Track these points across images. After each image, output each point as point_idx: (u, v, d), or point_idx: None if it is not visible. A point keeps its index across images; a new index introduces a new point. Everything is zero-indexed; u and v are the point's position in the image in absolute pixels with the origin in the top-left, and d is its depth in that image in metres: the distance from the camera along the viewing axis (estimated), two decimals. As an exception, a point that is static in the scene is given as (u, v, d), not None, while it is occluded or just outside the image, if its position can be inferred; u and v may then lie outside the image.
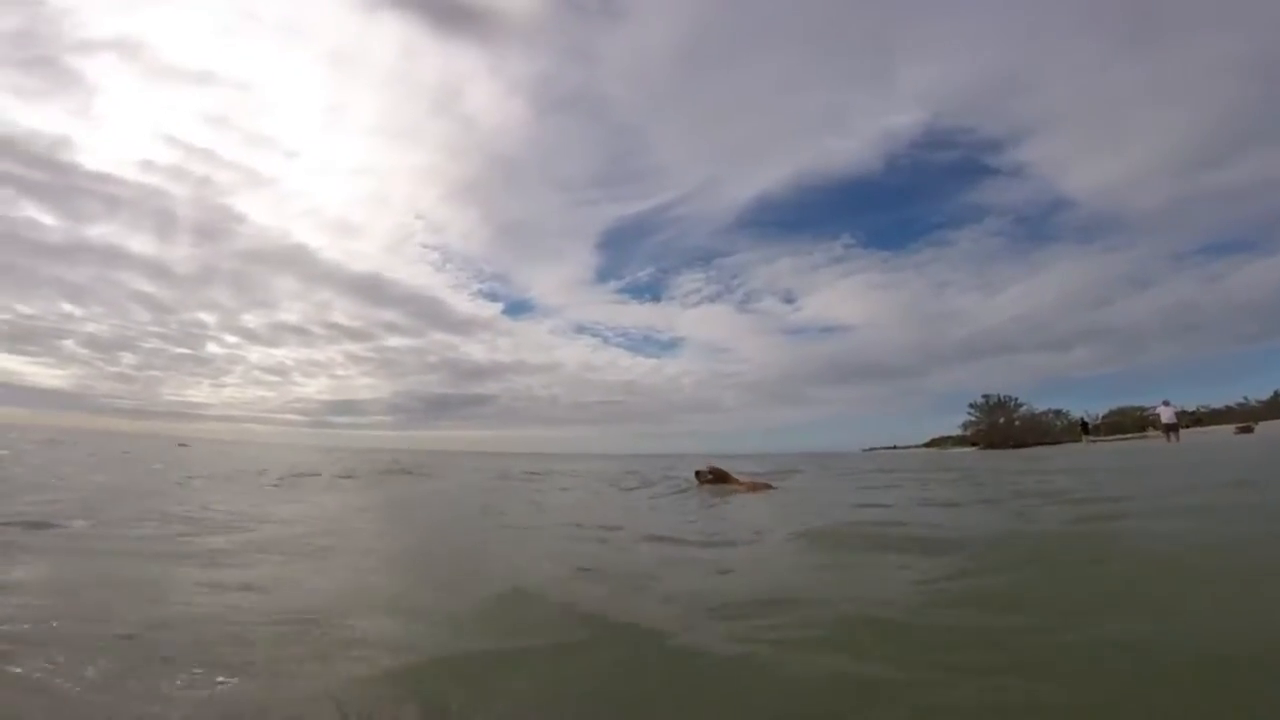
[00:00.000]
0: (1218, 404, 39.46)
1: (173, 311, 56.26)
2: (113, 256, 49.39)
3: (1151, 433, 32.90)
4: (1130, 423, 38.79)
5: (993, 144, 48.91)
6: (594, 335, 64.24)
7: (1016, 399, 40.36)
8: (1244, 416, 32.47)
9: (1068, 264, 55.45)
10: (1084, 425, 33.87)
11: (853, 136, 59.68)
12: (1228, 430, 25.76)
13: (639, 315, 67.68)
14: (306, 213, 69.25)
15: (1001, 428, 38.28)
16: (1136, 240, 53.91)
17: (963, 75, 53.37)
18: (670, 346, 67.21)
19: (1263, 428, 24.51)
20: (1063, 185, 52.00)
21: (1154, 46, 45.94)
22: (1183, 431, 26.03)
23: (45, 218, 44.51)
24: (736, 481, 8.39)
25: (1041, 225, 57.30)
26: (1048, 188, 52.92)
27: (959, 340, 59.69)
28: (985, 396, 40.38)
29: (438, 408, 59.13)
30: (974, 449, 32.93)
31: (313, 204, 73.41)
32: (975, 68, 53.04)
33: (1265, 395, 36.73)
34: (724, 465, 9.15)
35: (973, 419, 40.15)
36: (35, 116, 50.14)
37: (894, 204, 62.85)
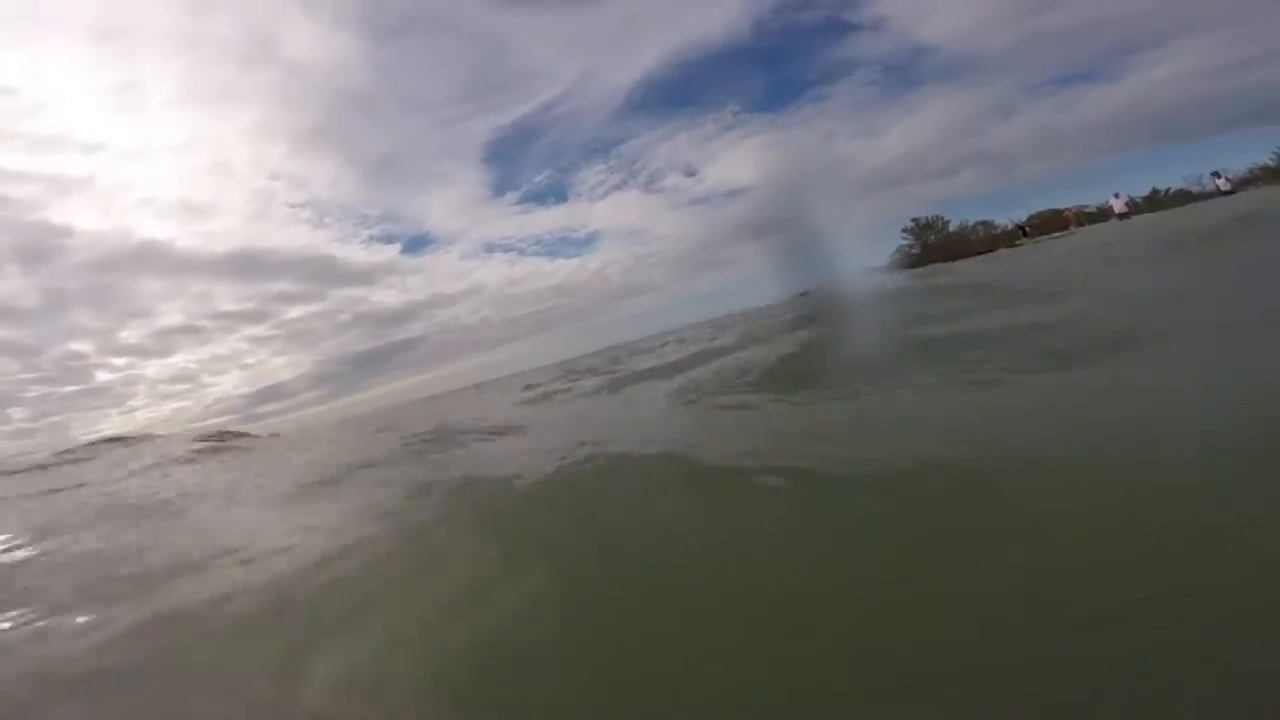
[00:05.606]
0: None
1: (40, 351, 41.59)
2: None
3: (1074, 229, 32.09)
4: (1049, 223, 38.43)
5: (850, 1, 48.30)
6: (507, 250, 56.01)
7: (943, 217, 38.54)
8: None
9: (938, 102, 59.13)
10: (1022, 229, 32.57)
11: (718, 6, 54.92)
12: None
13: (548, 220, 59.75)
14: (141, 204, 50.73)
15: (934, 245, 36.62)
16: (994, 77, 59.12)
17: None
18: (588, 242, 61.43)
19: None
20: (920, 34, 54.21)
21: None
22: (1138, 218, 24.65)
23: None
24: None
25: (908, 71, 58.89)
26: (908, 37, 55.11)
27: (852, 182, 59.94)
28: (914, 220, 38.08)
29: (367, 365, 50.57)
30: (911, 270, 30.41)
31: (144, 195, 53.51)
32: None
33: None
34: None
35: (906, 243, 38.04)
36: None
37: (769, 67, 59.04)
